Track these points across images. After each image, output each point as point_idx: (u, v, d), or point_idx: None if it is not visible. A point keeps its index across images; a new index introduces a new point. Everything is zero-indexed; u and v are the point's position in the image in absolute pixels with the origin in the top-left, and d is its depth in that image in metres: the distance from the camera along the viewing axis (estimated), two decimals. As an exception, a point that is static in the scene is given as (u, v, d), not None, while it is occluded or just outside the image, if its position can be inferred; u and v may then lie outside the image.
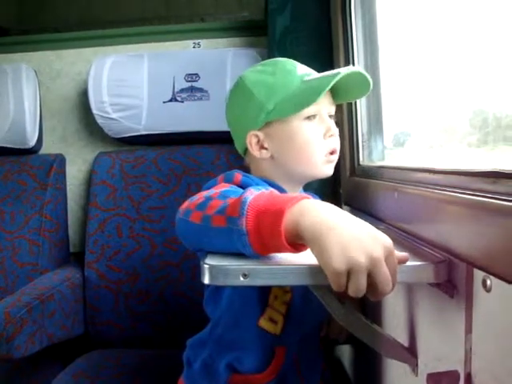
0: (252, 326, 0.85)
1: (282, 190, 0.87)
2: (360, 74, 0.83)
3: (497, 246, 0.46)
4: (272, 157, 0.88)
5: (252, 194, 0.62)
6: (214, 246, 0.65)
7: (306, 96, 0.82)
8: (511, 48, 0.71)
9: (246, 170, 0.93)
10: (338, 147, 0.88)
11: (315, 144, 0.86)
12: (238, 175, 0.85)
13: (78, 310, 1.44)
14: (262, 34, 1.51)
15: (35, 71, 1.62)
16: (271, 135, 0.87)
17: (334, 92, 0.88)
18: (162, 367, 1.29)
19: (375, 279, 0.53)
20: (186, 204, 0.71)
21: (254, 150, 0.88)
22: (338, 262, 0.52)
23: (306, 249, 0.59)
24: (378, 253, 0.53)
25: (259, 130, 0.87)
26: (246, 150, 0.92)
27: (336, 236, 0.53)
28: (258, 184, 0.83)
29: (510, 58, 0.71)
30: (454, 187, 0.59)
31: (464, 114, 0.92)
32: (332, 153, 0.87)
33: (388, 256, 0.54)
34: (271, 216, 0.58)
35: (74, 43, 1.67)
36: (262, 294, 0.84)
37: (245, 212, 0.59)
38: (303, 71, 0.88)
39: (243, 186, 0.82)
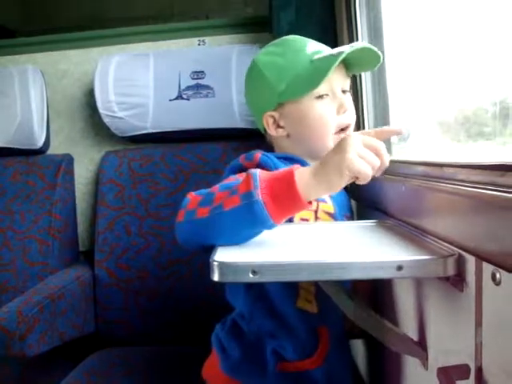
0: (291, 309, 0.86)
1: (305, 164, 0.89)
2: (367, 47, 0.85)
3: (506, 239, 0.46)
4: (288, 135, 0.92)
5: (255, 170, 0.67)
6: (226, 232, 0.67)
7: (313, 77, 0.84)
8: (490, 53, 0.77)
9: (270, 148, 0.98)
10: (352, 122, 0.91)
11: (328, 121, 0.88)
12: (257, 154, 0.88)
13: (88, 308, 1.45)
14: (267, 31, 1.50)
15: (41, 72, 1.63)
16: (285, 115, 0.91)
17: (347, 64, 0.89)
18: (173, 364, 1.30)
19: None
20: (182, 211, 0.73)
21: (271, 130, 0.93)
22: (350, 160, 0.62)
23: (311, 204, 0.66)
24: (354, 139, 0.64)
25: (274, 110, 0.91)
26: (265, 129, 0.95)
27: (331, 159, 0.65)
28: (275, 164, 0.86)
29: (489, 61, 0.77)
30: (462, 181, 0.59)
31: (452, 112, 0.99)
32: (346, 128, 0.90)
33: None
34: (283, 181, 0.64)
35: (79, 43, 1.67)
36: None
37: (258, 183, 0.64)
38: (313, 49, 0.90)
39: (261, 165, 0.85)
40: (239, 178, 0.80)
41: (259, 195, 0.63)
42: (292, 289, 0.86)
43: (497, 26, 0.74)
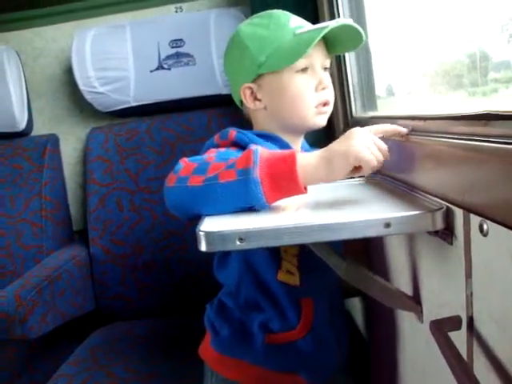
0: (273, 282, 0.86)
1: (281, 141, 0.89)
2: (350, 26, 0.82)
3: (491, 190, 0.45)
4: (265, 108, 0.89)
5: (257, 146, 0.67)
6: (216, 204, 0.66)
7: (296, 49, 0.82)
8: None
9: (247, 122, 0.96)
10: (331, 99, 0.89)
11: (306, 96, 0.86)
12: (233, 132, 0.85)
13: (86, 286, 1.45)
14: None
15: (16, 52, 1.58)
16: (263, 87, 0.88)
17: (329, 44, 0.88)
18: (173, 335, 1.31)
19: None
20: (173, 175, 0.71)
21: (248, 102, 0.90)
22: (358, 148, 0.63)
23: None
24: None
25: (253, 82, 0.89)
26: (242, 102, 0.93)
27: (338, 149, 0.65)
28: (251, 140, 0.84)
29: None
30: (446, 133, 0.58)
31: (433, 65, 1.01)
32: (324, 104, 0.88)
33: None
34: (284, 161, 0.65)
35: (52, 19, 1.62)
36: (274, 249, 0.85)
37: (258, 161, 0.64)
38: (296, 24, 0.87)
39: (237, 143, 0.84)
40: (221, 150, 0.80)
41: (257, 173, 0.63)
42: (274, 260, 0.85)
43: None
